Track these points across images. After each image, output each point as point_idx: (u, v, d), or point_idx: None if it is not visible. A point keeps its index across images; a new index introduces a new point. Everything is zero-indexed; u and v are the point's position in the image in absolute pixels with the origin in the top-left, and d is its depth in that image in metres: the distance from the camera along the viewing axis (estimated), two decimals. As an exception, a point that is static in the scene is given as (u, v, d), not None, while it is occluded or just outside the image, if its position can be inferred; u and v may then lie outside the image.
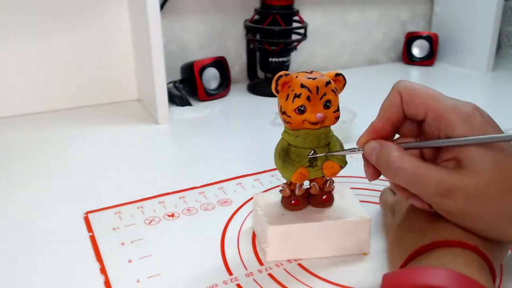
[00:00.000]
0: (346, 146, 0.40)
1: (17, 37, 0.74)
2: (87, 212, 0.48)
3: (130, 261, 0.41)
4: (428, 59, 1.12)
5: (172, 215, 0.48)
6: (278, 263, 0.40)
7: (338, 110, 0.38)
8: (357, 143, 0.37)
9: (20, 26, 0.74)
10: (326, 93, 0.36)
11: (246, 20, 0.91)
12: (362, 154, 0.37)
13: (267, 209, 0.41)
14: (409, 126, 0.37)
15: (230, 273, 0.39)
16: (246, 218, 0.47)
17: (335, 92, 0.37)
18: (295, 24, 0.90)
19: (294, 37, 0.91)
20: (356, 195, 0.44)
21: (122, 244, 0.43)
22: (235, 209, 0.49)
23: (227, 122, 0.77)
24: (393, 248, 0.38)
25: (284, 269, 0.40)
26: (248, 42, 0.94)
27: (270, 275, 0.39)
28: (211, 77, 0.86)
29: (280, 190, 0.41)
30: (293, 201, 0.41)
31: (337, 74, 0.38)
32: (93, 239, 0.44)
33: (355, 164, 0.46)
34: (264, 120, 0.76)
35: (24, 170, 0.59)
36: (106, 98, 0.83)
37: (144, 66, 0.76)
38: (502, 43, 1.20)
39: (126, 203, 0.50)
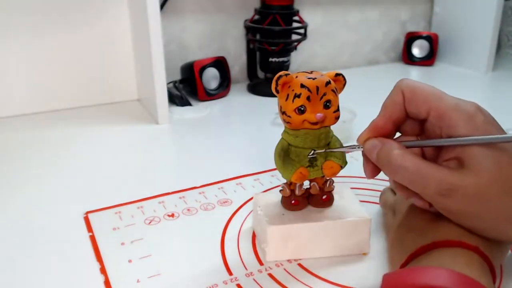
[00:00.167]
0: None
1: (17, 37, 0.74)
2: (87, 212, 0.48)
3: (130, 261, 0.41)
4: (428, 59, 1.12)
5: (172, 215, 0.48)
6: (278, 263, 0.40)
7: (338, 110, 0.38)
8: (358, 140, 0.37)
9: (20, 26, 0.74)
10: (326, 93, 0.36)
11: (246, 20, 0.91)
12: (362, 151, 0.37)
13: (267, 209, 0.41)
14: (410, 125, 0.37)
15: (230, 273, 0.39)
16: (246, 218, 0.47)
17: (335, 92, 0.37)
18: (295, 24, 0.90)
19: (294, 37, 0.91)
20: (356, 195, 0.44)
21: (122, 244, 0.43)
22: (235, 209, 0.49)
23: (227, 122, 0.77)
24: (393, 248, 0.38)
25: (284, 269, 0.40)
26: (248, 42, 0.94)
27: (270, 275, 0.39)
28: (211, 77, 0.86)
29: (280, 190, 0.41)
30: (293, 201, 0.41)
31: (337, 74, 0.38)
32: (93, 239, 0.44)
33: (355, 164, 0.46)
34: (264, 120, 0.76)
35: (24, 170, 0.59)
36: (106, 98, 0.83)
37: (144, 66, 0.76)
38: (502, 43, 1.20)
39: (126, 203, 0.50)
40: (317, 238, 0.40)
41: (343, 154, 0.39)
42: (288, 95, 0.36)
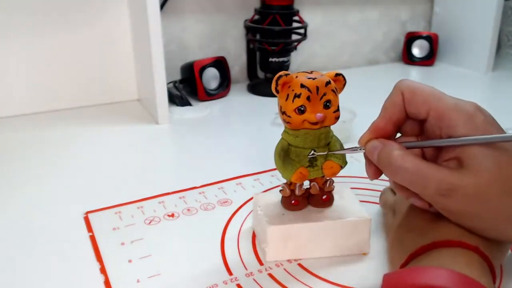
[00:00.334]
0: (346, 146, 0.40)
1: (17, 37, 0.74)
2: (87, 212, 0.48)
3: (130, 261, 0.41)
4: (428, 59, 1.12)
5: (172, 215, 0.48)
6: (278, 263, 0.40)
7: (338, 110, 0.38)
8: (359, 142, 0.37)
9: (20, 26, 0.74)
10: (326, 93, 0.36)
11: (246, 20, 0.91)
12: (364, 153, 0.37)
13: (267, 209, 0.41)
14: (410, 125, 0.37)
15: (230, 273, 0.39)
16: (246, 218, 0.47)
17: (335, 92, 0.37)
18: (295, 24, 0.90)
19: (294, 37, 0.91)
20: (356, 195, 0.44)
21: (122, 244, 0.43)
22: (235, 209, 0.49)
23: (227, 122, 0.77)
24: (393, 248, 0.38)
25: (284, 269, 0.40)
26: (248, 42, 0.94)
27: (270, 275, 0.39)
28: (211, 77, 0.86)
29: (280, 190, 0.41)
30: (293, 201, 0.41)
31: (337, 74, 0.38)
32: (93, 239, 0.44)
33: (355, 164, 0.46)
34: (264, 120, 0.76)
35: (24, 170, 0.59)
36: (106, 98, 0.83)
37: (144, 66, 0.76)
38: (502, 43, 1.20)
39: (126, 203, 0.50)
40: (317, 238, 0.40)
41: (343, 154, 0.39)
42: (288, 95, 0.36)
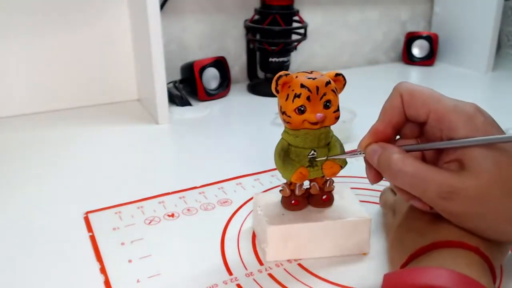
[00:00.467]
0: (346, 146, 0.40)
1: (17, 37, 0.74)
2: (87, 212, 0.48)
3: (130, 261, 0.41)
4: (428, 59, 1.12)
5: (172, 215, 0.48)
6: (278, 263, 0.40)
7: (338, 110, 0.38)
8: (359, 146, 0.37)
9: (20, 26, 0.74)
10: (326, 93, 0.36)
11: (246, 20, 0.91)
12: (364, 157, 0.37)
13: (267, 209, 0.41)
14: (410, 128, 0.37)
15: (230, 273, 0.39)
16: (246, 218, 0.47)
17: (335, 92, 0.37)
18: (295, 24, 0.90)
19: (294, 37, 0.91)
20: (356, 195, 0.44)
21: (122, 244, 0.43)
22: (235, 209, 0.49)
23: (227, 122, 0.77)
24: (393, 248, 0.37)
25: (284, 269, 0.40)
26: (248, 42, 0.94)
27: (270, 275, 0.39)
28: (211, 77, 0.86)
29: (280, 190, 0.41)
30: (293, 201, 0.41)
31: (337, 74, 0.38)
32: (93, 239, 0.44)
33: (355, 164, 0.46)
34: (264, 120, 0.76)
35: (24, 170, 0.59)
36: (106, 98, 0.83)
37: (144, 66, 0.76)
38: (502, 43, 1.20)
39: (126, 203, 0.50)
40: (317, 238, 0.40)
41: (343, 154, 0.39)
42: (288, 95, 0.36)
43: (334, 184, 0.41)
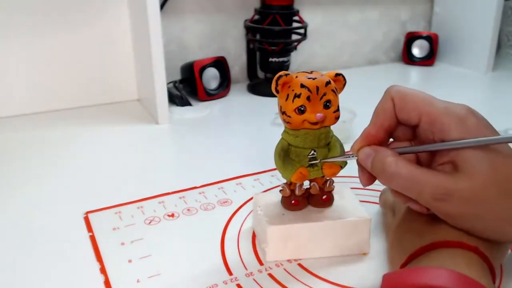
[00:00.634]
0: (346, 146, 0.40)
1: (17, 37, 0.74)
2: (87, 212, 0.48)
3: (130, 261, 0.41)
4: (428, 59, 1.12)
5: (172, 215, 0.48)
6: (278, 263, 0.40)
7: (338, 110, 0.38)
8: (351, 149, 0.37)
9: (20, 26, 0.74)
10: (326, 93, 0.36)
11: (246, 20, 0.91)
12: (357, 160, 0.37)
13: (267, 209, 0.41)
14: (403, 131, 0.37)
15: (230, 273, 0.39)
16: (246, 218, 0.47)
17: (335, 92, 0.37)
18: (295, 24, 0.90)
19: (294, 37, 0.91)
20: (356, 195, 0.44)
21: (122, 244, 0.43)
22: (235, 209, 0.49)
23: (227, 122, 0.77)
24: (392, 248, 0.38)
25: (284, 269, 0.40)
26: (248, 42, 0.94)
27: (270, 275, 0.39)
28: (211, 77, 0.86)
29: (280, 190, 0.41)
30: (293, 201, 0.41)
31: (337, 74, 0.38)
32: (93, 239, 0.44)
33: (355, 164, 0.46)
34: (264, 120, 0.76)
35: (24, 170, 0.59)
36: (106, 98, 0.83)
37: (144, 66, 0.76)
38: (502, 43, 1.20)
39: (126, 203, 0.50)
40: (317, 238, 0.40)
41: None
42: (288, 95, 0.36)
43: (334, 184, 0.41)
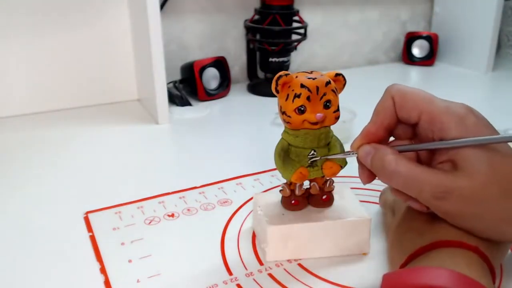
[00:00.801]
0: (346, 146, 0.40)
1: (17, 37, 0.74)
2: (87, 212, 0.48)
3: (130, 261, 0.41)
4: (428, 59, 1.12)
5: (172, 215, 0.48)
6: (278, 263, 0.40)
7: (338, 110, 0.38)
8: (351, 146, 0.37)
9: (20, 26, 0.74)
10: (326, 93, 0.36)
11: (246, 20, 0.91)
12: (357, 157, 0.37)
13: (267, 209, 0.41)
14: (403, 129, 0.37)
15: (230, 273, 0.39)
16: (246, 218, 0.47)
17: (335, 92, 0.37)
18: (295, 24, 0.90)
19: (294, 37, 0.91)
20: (356, 195, 0.44)
21: (122, 244, 0.43)
22: (235, 209, 0.49)
23: (227, 122, 0.77)
24: (392, 248, 0.38)
25: (284, 269, 0.40)
26: (248, 42, 0.94)
27: (270, 275, 0.39)
28: (211, 77, 0.86)
29: (280, 190, 0.41)
30: (293, 201, 0.41)
31: (337, 74, 0.38)
32: (93, 239, 0.44)
33: (355, 164, 0.46)
34: (264, 120, 0.76)
35: (24, 170, 0.59)
36: (106, 98, 0.83)
37: (144, 66, 0.76)
38: (502, 43, 1.20)
39: (126, 203, 0.50)
40: (317, 238, 0.40)
41: (343, 154, 0.39)
42: (288, 95, 0.36)
43: (334, 184, 0.41)
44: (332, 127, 0.39)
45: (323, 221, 0.40)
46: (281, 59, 0.89)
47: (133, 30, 0.80)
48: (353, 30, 1.10)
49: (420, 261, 0.32)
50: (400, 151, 0.35)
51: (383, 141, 0.37)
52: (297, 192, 0.40)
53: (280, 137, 0.39)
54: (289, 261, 0.41)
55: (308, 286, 0.38)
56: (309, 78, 0.36)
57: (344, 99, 0.43)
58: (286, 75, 0.36)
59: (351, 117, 0.66)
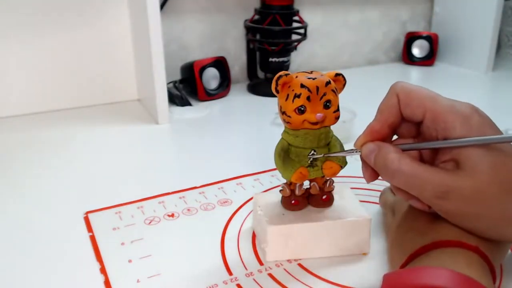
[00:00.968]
0: (346, 146, 0.40)
1: (17, 37, 0.74)
2: (87, 212, 0.48)
3: (130, 261, 0.41)
4: (428, 59, 1.12)
5: (172, 215, 0.48)
6: (278, 263, 0.40)
7: (338, 110, 0.38)
8: (355, 144, 0.37)
9: (20, 26, 0.74)
10: (326, 93, 0.36)
11: (246, 20, 0.91)
12: (360, 155, 0.37)
13: (267, 209, 0.41)
14: (407, 127, 0.37)
15: (230, 273, 0.39)
16: (246, 218, 0.47)
17: (335, 92, 0.37)
18: (295, 24, 0.90)
19: (294, 37, 0.91)
20: (356, 195, 0.44)
21: (122, 244, 0.43)
22: (235, 209, 0.49)
23: (227, 122, 0.77)
24: (393, 248, 0.37)
25: (284, 269, 0.40)
26: (248, 42, 0.94)
27: (270, 275, 0.39)
28: (211, 77, 0.86)
29: (280, 190, 0.41)
30: (293, 201, 0.41)
31: (337, 74, 0.38)
32: (93, 239, 0.44)
33: (355, 164, 0.46)
34: (264, 120, 0.76)
35: (24, 170, 0.59)
36: (106, 98, 0.83)
37: (144, 66, 0.76)
38: (502, 43, 1.20)
39: (126, 203, 0.50)
40: (317, 238, 0.40)
41: (343, 154, 0.39)
42: (288, 95, 0.36)
43: (334, 184, 0.41)
44: (332, 127, 0.39)
45: (323, 221, 0.40)
46: (281, 59, 0.89)
47: (133, 30, 0.80)
48: (353, 30, 1.10)
49: (420, 261, 0.32)
50: (404, 150, 0.35)
51: (387, 139, 0.37)
52: (297, 192, 0.40)
53: (280, 137, 0.39)
54: (289, 261, 0.41)
55: (308, 286, 0.38)
56: (309, 78, 0.36)
57: (344, 99, 0.43)
58: (286, 75, 0.36)
59: (351, 117, 0.66)
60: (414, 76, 1.07)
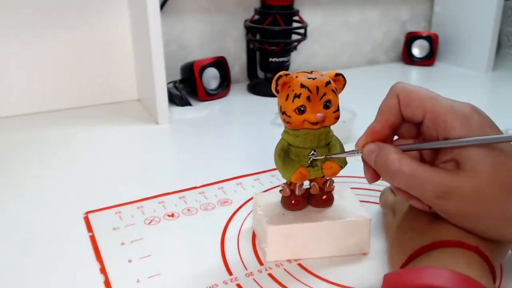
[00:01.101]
0: (346, 146, 0.40)
1: (17, 37, 0.74)
2: (87, 212, 0.48)
3: (130, 261, 0.41)
4: (428, 59, 1.12)
5: (172, 215, 0.48)
6: (278, 263, 0.40)
7: (338, 110, 0.38)
8: (356, 145, 0.37)
9: (20, 26, 0.74)
10: (326, 93, 0.36)
11: (246, 20, 0.91)
12: (361, 156, 0.37)
13: (267, 209, 0.41)
14: (407, 128, 0.37)
15: (230, 273, 0.39)
16: (246, 218, 0.47)
17: (335, 92, 0.37)
18: (295, 24, 0.90)
19: (294, 37, 0.91)
20: (356, 195, 0.44)
21: (122, 244, 0.43)
22: (235, 209, 0.49)
23: (227, 122, 0.77)
24: (393, 248, 0.37)
25: (284, 269, 0.40)
26: (248, 42, 0.94)
27: (270, 275, 0.39)
28: (211, 77, 0.86)
29: (280, 190, 0.41)
30: (293, 201, 0.41)
31: (337, 74, 0.38)
32: (93, 239, 0.44)
33: (355, 164, 0.46)
34: (264, 120, 0.76)
35: (24, 170, 0.59)
36: (106, 98, 0.83)
37: (144, 66, 0.76)
38: (502, 43, 1.20)
39: (126, 203, 0.50)
40: (317, 238, 0.40)
41: (343, 154, 0.39)
42: (288, 95, 0.36)
43: (334, 184, 0.41)
44: (332, 127, 0.39)
45: (323, 221, 0.40)
46: (281, 59, 0.89)
47: (133, 30, 0.80)
48: (353, 30, 1.10)
49: (420, 261, 0.32)
50: (404, 150, 0.35)
51: (387, 139, 0.37)
52: (297, 192, 0.40)
53: (280, 137, 0.39)
54: (289, 261, 0.41)
55: (308, 286, 0.38)
56: (309, 78, 0.36)
57: (344, 99, 0.43)
58: (286, 75, 0.36)
59: (351, 117, 0.66)
60: (414, 76, 1.07)
